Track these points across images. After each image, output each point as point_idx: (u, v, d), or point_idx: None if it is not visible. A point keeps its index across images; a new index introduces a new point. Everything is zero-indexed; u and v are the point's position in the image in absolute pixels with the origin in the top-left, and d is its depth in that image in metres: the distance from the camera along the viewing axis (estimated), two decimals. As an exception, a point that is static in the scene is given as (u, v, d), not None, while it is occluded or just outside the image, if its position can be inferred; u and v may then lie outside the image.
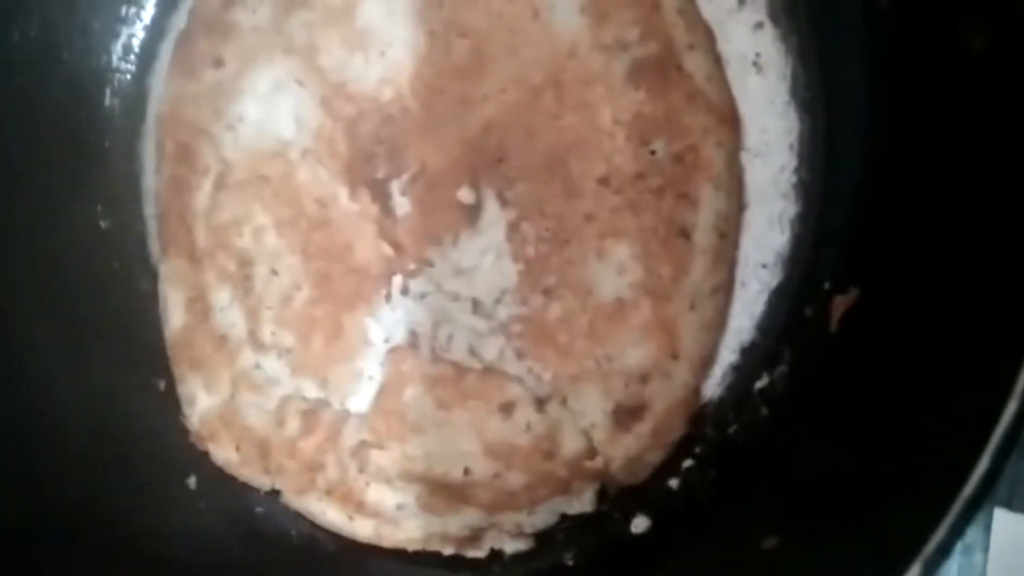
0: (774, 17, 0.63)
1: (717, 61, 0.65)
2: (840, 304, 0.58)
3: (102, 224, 0.83)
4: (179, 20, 0.82)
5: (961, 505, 0.41)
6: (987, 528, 0.79)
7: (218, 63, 0.78)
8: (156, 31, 0.83)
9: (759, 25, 0.64)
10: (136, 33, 0.83)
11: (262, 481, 0.77)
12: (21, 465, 0.71)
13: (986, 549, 0.80)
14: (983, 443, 0.40)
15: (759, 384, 0.63)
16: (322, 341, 0.74)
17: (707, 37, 0.65)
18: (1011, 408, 0.40)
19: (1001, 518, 0.77)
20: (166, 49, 0.82)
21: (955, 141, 0.50)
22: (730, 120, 0.64)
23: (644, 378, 0.65)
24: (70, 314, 0.80)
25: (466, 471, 0.69)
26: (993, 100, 0.47)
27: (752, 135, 0.64)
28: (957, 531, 0.41)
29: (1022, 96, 0.45)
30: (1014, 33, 0.44)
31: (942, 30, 0.50)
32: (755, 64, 0.64)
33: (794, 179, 0.63)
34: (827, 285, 0.60)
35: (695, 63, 0.64)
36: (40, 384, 0.76)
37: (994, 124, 0.47)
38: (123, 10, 0.82)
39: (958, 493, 0.41)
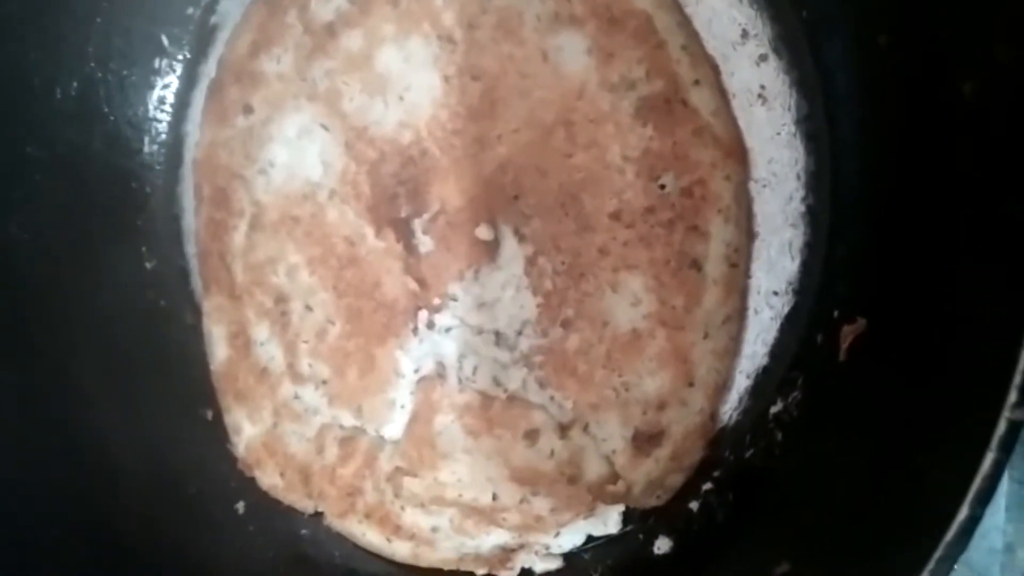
0: (777, 50, 0.64)
1: (723, 95, 0.66)
2: (848, 333, 0.59)
3: (147, 265, 0.88)
4: (209, 69, 0.86)
5: (957, 528, 0.42)
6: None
7: (248, 110, 0.82)
8: (188, 80, 0.87)
9: (763, 58, 0.65)
10: (170, 83, 0.87)
11: (305, 505, 0.81)
12: (82, 501, 0.76)
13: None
14: (973, 475, 0.42)
15: (774, 409, 0.65)
16: (356, 373, 0.78)
17: (712, 72, 0.66)
18: (999, 429, 0.41)
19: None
20: (198, 97, 0.86)
21: (951, 179, 0.51)
22: (737, 153, 0.65)
23: (661, 405, 0.67)
24: (121, 352, 0.85)
25: (494, 496, 0.72)
26: (984, 141, 0.48)
27: (760, 166, 0.66)
28: (952, 554, 0.43)
29: (1008, 139, 0.46)
30: (1000, 84, 0.45)
31: (935, 74, 0.51)
32: (760, 96, 0.65)
33: (802, 208, 0.64)
34: (836, 314, 0.61)
35: (701, 98, 0.66)
36: (95, 422, 0.81)
37: (986, 161, 0.48)
38: (156, 62, 0.86)
39: (954, 517, 0.42)
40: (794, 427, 0.63)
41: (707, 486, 0.67)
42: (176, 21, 0.86)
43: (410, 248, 0.75)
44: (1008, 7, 0.42)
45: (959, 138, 0.50)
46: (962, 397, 0.45)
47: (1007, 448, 0.39)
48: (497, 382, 0.72)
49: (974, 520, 0.40)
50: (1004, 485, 0.84)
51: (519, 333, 0.72)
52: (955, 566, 0.43)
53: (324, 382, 0.80)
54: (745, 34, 0.65)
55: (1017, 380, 0.39)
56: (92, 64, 0.84)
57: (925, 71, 0.53)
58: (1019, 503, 0.85)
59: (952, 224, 0.50)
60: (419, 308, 0.75)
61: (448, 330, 0.74)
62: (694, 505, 0.68)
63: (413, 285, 0.75)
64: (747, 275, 0.66)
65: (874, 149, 0.59)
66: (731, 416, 0.67)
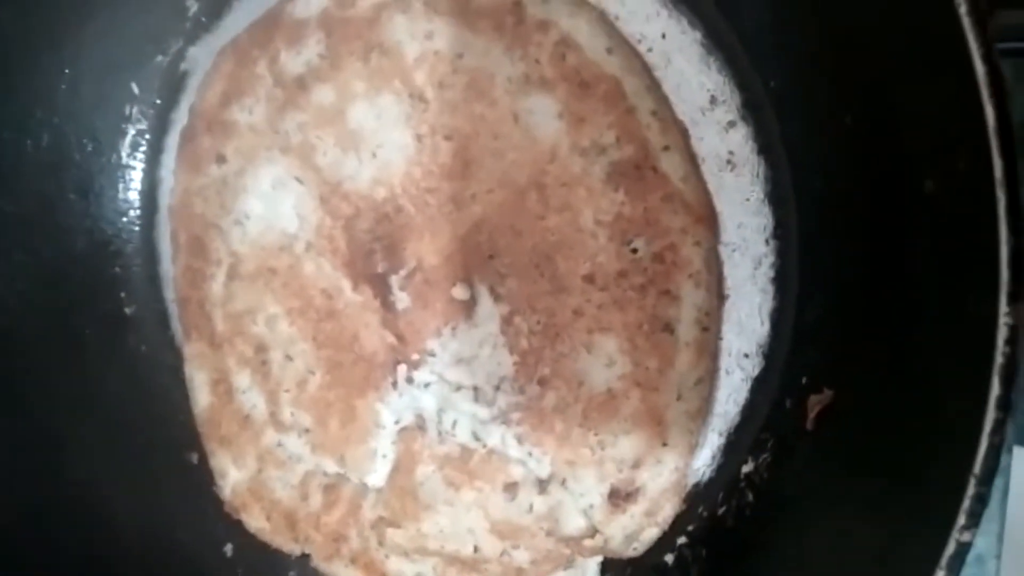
0: (744, 117, 0.65)
1: (692, 160, 0.67)
2: (815, 403, 0.61)
3: (127, 311, 0.88)
4: (180, 116, 0.85)
5: None
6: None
7: (221, 159, 0.82)
8: (159, 127, 0.86)
9: (731, 124, 0.65)
10: (142, 130, 0.87)
11: (292, 548, 0.83)
12: (71, 547, 0.78)
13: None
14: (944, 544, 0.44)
15: (746, 469, 0.67)
16: (337, 423, 0.79)
17: (681, 137, 0.67)
18: (948, 550, 0.43)
19: (1021, 456, 0.82)
20: (171, 143, 0.86)
21: (910, 269, 0.52)
22: (706, 219, 0.66)
23: (636, 464, 0.69)
24: (105, 398, 0.86)
25: (475, 548, 0.74)
26: (942, 238, 0.49)
27: (729, 230, 0.66)
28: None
29: (964, 242, 0.47)
30: (959, 189, 0.46)
31: (898, 164, 0.52)
32: (729, 162, 0.66)
33: (771, 273, 0.65)
34: (804, 380, 0.63)
35: (670, 164, 0.66)
36: (81, 468, 0.82)
37: (943, 258, 0.49)
38: (126, 109, 0.86)
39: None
40: (763, 488, 0.65)
41: (681, 540, 0.69)
42: (145, 69, 0.85)
43: (387, 304, 0.76)
44: (969, 131, 0.42)
45: (918, 229, 0.51)
46: (915, 506, 0.46)
47: (955, 568, 0.41)
48: (476, 437, 0.74)
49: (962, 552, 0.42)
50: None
51: (497, 389, 0.73)
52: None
53: (307, 430, 0.81)
54: (714, 100, 0.66)
55: (966, 505, 0.41)
56: (62, 115, 0.83)
57: (888, 160, 0.53)
58: (989, 516, 0.88)
59: (910, 316, 0.51)
60: (398, 362, 0.76)
61: (427, 385, 0.75)
62: (669, 558, 0.70)
63: (391, 339, 0.76)
64: (718, 337, 0.68)
65: (837, 224, 0.60)
66: (704, 473, 0.69)
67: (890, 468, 0.50)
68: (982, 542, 0.88)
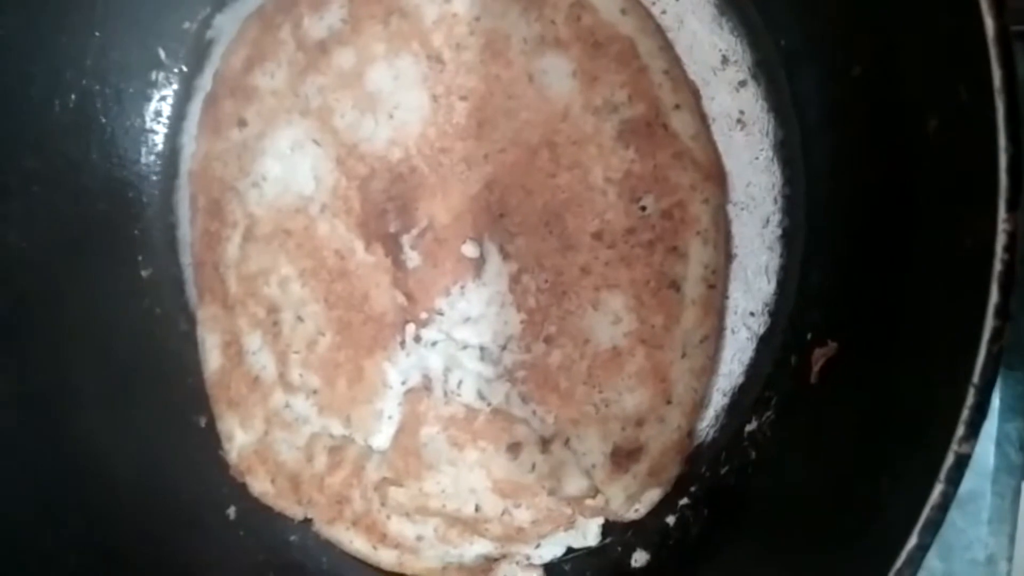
0: (755, 77, 0.66)
1: (702, 119, 0.67)
2: (819, 356, 0.61)
3: (143, 273, 0.90)
4: (204, 82, 0.87)
5: (905, 556, 0.44)
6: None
7: (242, 123, 0.84)
8: (184, 93, 0.89)
9: (742, 84, 0.66)
10: (166, 96, 0.89)
11: (295, 511, 0.83)
12: (76, 505, 0.78)
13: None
14: (923, 504, 0.43)
15: (749, 428, 0.66)
16: (345, 383, 0.80)
17: (692, 97, 0.68)
18: (948, 462, 0.43)
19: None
20: (194, 109, 0.88)
21: (915, 213, 0.53)
22: (715, 177, 0.67)
23: (640, 422, 0.69)
24: (116, 359, 0.87)
25: (477, 508, 0.74)
26: (944, 178, 0.50)
27: (738, 189, 0.67)
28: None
29: (966, 177, 0.47)
30: (961, 123, 0.46)
31: (904, 108, 0.52)
32: (739, 122, 0.66)
33: (779, 231, 0.66)
34: (809, 336, 0.63)
35: (681, 122, 0.67)
36: (91, 428, 0.82)
37: (945, 198, 0.50)
38: (153, 75, 0.88)
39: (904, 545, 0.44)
40: (767, 446, 0.65)
41: (683, 501, 0.69)
42: (173, 35, 0.87)
43: (398, 263, 0.77)
44: (969, 50, 0.43)
45: (922, 173, 0.52)
46: (918, 428, 0.46)
47: (954, 481, 0.41)
48: (481, 396, 0.74)
49: (922, 549, 0.41)
50: (987, 498, 0.86)
51: (503, 348, 0.73)
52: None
53: (314, 392, 0.81)
54: (725, 60, 0.67)
55: (965, 415, 0.41)
56: (90, 77, 0.85)
57: (894, 105, 0.54)
58: (1001, 516, 0.87)
59: (914, 259, 0.52)
60: (407, 322, 0.77)
61: (434, 344, 0.76)
62: (671, 519, 0.69)
63: (401, 299, 0.77)
64: (724, 295, 0.68)
65: (844, 178, 0.60)
66: (707, 433, 0.69)
67: (892, 404, 0.50)
68: (993, 541, 0.87)
